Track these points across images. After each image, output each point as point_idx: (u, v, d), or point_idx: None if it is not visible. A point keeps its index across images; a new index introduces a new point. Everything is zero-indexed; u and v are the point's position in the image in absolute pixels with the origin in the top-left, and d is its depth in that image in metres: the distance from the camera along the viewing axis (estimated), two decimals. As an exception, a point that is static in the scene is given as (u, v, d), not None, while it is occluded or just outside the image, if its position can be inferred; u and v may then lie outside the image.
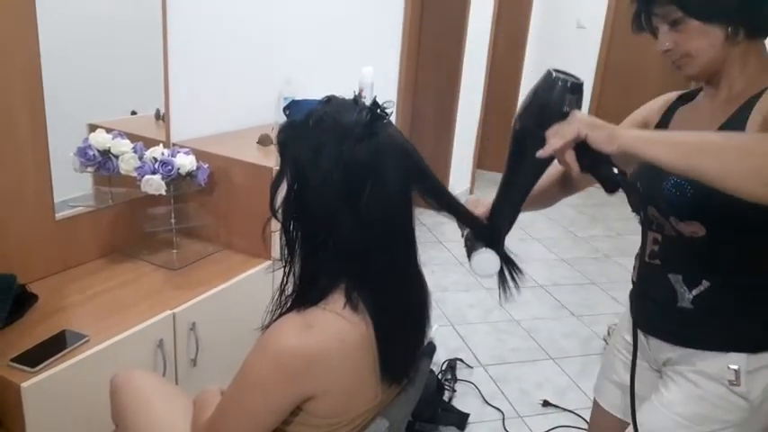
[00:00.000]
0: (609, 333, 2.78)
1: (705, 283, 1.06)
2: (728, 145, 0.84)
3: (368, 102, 0.93)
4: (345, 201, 0.88)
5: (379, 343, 0.92)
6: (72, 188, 1.78)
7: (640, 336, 1.20)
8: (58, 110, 1.62)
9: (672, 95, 1.24)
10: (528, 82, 5.43)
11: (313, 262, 0.93)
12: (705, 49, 1.00)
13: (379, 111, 0.92)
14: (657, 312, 1.15)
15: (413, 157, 0.94)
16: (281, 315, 0.92)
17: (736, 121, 1.00)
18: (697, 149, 0.84)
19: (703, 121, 1.07)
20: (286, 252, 0.95)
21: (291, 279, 0.96)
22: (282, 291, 0.96)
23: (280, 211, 0.94)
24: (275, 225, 0.97)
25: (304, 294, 0.92)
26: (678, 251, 1.10)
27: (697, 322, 1.09)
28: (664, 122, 1.19)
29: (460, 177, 4.79)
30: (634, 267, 1.26)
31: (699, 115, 1.12)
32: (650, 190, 1.10)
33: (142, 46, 1.95)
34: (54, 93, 1.60)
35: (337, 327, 0.87)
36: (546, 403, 2.41)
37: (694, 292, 1.07)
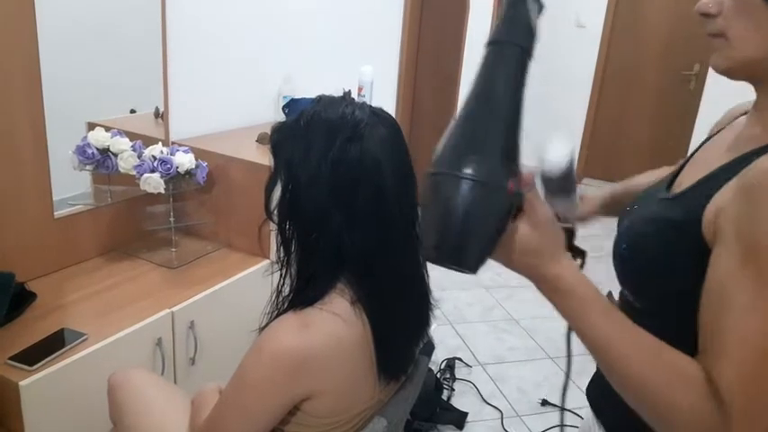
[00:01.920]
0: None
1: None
2: (631, 377, 0.65)
3: (366, 100, 0.93)
4: (338, 200, 0.88)
5: (377, 342, 0.92)
6: (71, 186, 1.78)
7: (591, 417, 0.98)
8: (57, 108, 1.62)
9: (734, 112, 0.91)
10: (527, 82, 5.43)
11: (309, 262, 0.93)
12: (749, 42, 0.68)
13: (370, 110, 0.93)
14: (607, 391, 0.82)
15: (402, 156, 0.94)
16: (277, 315, 0.92)
17: (724, 172, 0.71)
18: (606, 365, 0.67)
19: (721, 149, 0.78)
20: (282, 252, 0.95)
21: (288, 279, 0.96)
22: (279, 291, 0.96)
23: (275, 211, 0.94)
24: (272, 225, 0.97)
25: (301, 294, 0.92)
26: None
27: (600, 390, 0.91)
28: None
29: (460, 176, 4.78)
30: None
31: (723, 139, 0.83)
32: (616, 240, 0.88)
33: (141, 44, 1.95)
34: (53, 91, 1.59)
35: (334, 326, 0.87)
36: (544, 402, 2.41)
37: None
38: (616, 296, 0.90)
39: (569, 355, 0.92)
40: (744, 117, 0.81)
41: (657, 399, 0.63)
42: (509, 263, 0.69)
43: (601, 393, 0.92)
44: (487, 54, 0.69)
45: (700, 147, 0.88)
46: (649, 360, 0.64)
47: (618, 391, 0.67)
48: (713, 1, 0.72)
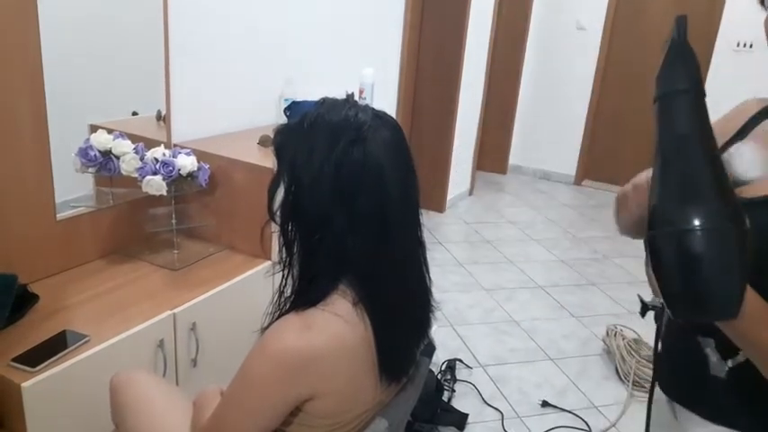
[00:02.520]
0: (608, 334, 2.79)
1: (742, 354, 0.83)
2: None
3: (368, 103, 0.94)
4: (340, 202, 0.89)
5: (378, 343, 0.92)
6: (73, 188, 1.78)
7: (666, 405, 1.01)
8: (60, 110, 1.63)
9: (751, 106, 0.94)
10: (527, 84, 5.45)
11: (311, 263, 0.93)
12: None
13: (373, 112, 0.93)
14: (686, 379, 0.95)
15: (405, 159, 0.95)
16: (280, 316, 0.93)
17: None
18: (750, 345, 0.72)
19: None
20: (284, 254, 0.95)
21: (290, 280, 0.96)
22: (282, 292, 0.97)
23: (278, 213, 0.95)
24: (274, 227, 0.97)
25: (303, 295, 0.93)
26: None
27: (735, 398, 0.88)
28: (742, 132, 0.92)
29: (460, 178, 4.80)
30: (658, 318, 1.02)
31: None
32: None
33: (143, 46, 1.95)
34: (55, 93, 1.60)
35: (336, 327, 0.88)
36: (545, 404, 2.42)
37: (730, 363, 0.86)
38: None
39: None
40: None
41: None
42: None
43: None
44: (667, 104, 0.71)
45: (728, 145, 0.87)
46: None
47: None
48: None
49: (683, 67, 0.71)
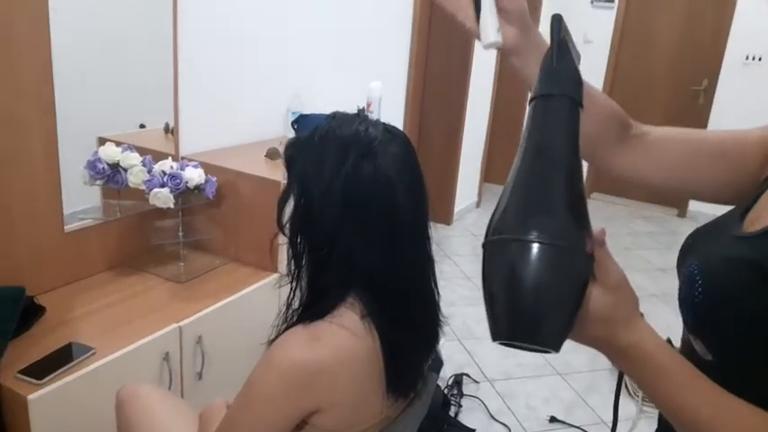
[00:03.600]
0: (617, 348, 2.76)
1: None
2: None
3: (375, 116, 0.94)
4: (350, 215, 0.88)
5: (386, 357, 0.91)
6: (81, 201, 1.79)
7: None
8: (69, 123, 1.64)
9: None
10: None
11: (320, 276, 0.93)
12: None
13: (384, 127, 0.93)
14: None
15: (415, 173, 0.95)
16: (287, 329, 0.92)
17: None
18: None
19: None
20: (293, 266, 0.95)
21: (298, 293, 0.96)
22: (289, 305, 0.96)
23: (287, 225, 0.95)
24: (282, 239, 0.97)
25: (310, 308, 0.92)
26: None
27: None
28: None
29: (468, 191, 4.79)
30: None
31: None
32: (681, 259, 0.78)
33: (152, 60, 1.97)
34: (65, 106, 1.61)
35: (343, 340, 0.87)
36: (553, 419, 2.39)
37: None
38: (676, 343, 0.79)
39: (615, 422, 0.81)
40: None
41: None
42: (579, 334, 0.60)
43: None
44: (537, 107, 0.63)
45: None
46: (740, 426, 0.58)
47: None
48: None
49: (574, 71, 0.65)
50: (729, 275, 0.67)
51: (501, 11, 0.79)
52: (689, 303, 0.71)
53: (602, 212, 5.11)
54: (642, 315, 0.61)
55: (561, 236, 0.54)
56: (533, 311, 0.54)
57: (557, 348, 0.56)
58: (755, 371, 0.64)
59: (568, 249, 0.54)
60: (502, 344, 0.56)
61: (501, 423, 2.36)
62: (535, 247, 0.53)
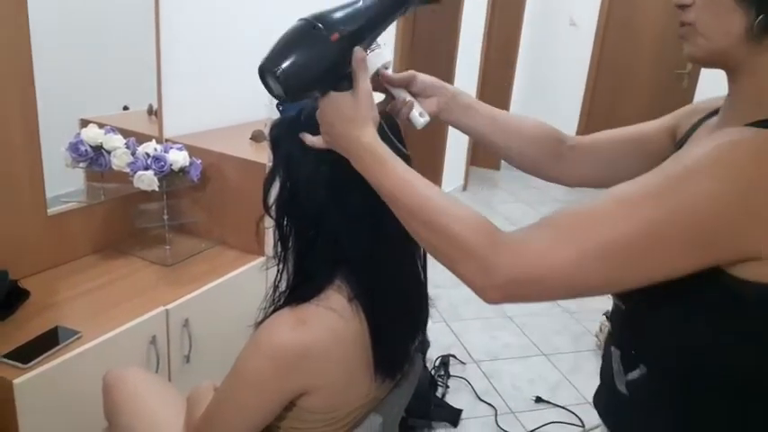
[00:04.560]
0: (601, 329, 2.80)
1: (642, 368, 0.79)
2: (420, 209, 0.73)
3: None
4: (337, 197, 0.88)
5: (374, 339, 0.92)
6: (64, 183, 1.77)
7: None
8: (50, 105, 1.61)
9: (700, 108, 0.91)
10: (521, 80, 5.45)
11: (306, 258, 0.93)
12: (715, 32, 0.71)
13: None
14: (602, 390, 0.92)
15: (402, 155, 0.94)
16: (274, 311, 0.92)
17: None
18: (408, 205, 0.75)
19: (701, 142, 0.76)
20: (279, 248, 0.95)
21: (285, 276, 0.96)
22: (276, 287, 0.96)
23: (273, 207, 0.94)
24: (268, 221, 0.97)
25: (297, 290, 0.92)
26: (616, 318, 0.87)
27: (632, 415, 0.83)
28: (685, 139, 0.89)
29: (454, 174, 4.80)
30: None
31: (699, 135, 0.83)
32: None
33: (134, 40, 1.94)
34: (45, 88, 1.59)
35: (330, 322, 0.87)
36: (538, 399, 2.42)
37: (630, 377, 0.81)
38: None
39: None
40: (714, 119, 0.82)
41: (448, 230, 0.70)
42: (329, 131, 0.81)
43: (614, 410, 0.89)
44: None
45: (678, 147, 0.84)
46: (448, 201, 0.73)
47: (412, 229, 0.75)
48: None
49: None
50: None
51: (415, 96, 0.98)
52: None
53: (588, 195, 5.14)
54: (373, 123, 0.81)
55: (320, 20, 0.77)
56: (277, 50, 0.78)
57: (291, 93, 0.77)
58: (656, 312, 0.74)
59: (315, 27, 0.77)
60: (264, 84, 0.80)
61: (487, 403, 2.39)
62: (300, 20, 0.78)
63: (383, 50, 0.93)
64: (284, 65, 0.76)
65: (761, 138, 0.64)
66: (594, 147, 1.04)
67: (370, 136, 0.79)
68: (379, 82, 0.95)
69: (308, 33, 0.77)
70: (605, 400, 0.90)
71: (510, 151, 1.06)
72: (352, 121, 0.79)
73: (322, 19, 0.77)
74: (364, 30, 0.80)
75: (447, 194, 0.75)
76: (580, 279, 0.66)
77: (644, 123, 1.02)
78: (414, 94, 0.99)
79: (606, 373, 0.88)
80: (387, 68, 0.95)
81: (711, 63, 0.75)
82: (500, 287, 0.67)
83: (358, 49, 0.79)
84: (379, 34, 0.85)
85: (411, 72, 1.00)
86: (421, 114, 0.97)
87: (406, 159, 0.81)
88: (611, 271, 0.65)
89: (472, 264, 0.68)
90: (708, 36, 0.72)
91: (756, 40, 0.68)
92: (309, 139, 0.86)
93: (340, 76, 0.80)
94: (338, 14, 0.79)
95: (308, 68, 0.77)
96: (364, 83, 0.80)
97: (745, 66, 0.71)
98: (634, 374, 0.80)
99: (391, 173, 0.76)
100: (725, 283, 0.65)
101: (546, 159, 1.05)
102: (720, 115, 0.79)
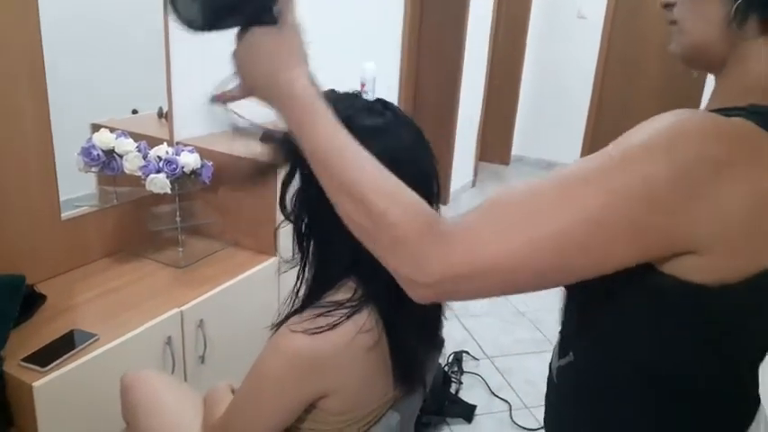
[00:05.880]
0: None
1: (570, 356, 0.78)
2: (353, 183, 0.63)
3: (371, 96, 0.93)
4: None
5: (392, 347, 0.92)
6: (76, 188, 1.78)
7: None
8: (62, 110, 1.62)
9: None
10: (529, 74, 5.42)
11: (324, 261, 0.93)
12: (695, 25, 0.71)
13: (381, 105, 0.92)
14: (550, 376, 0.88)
15: (426, 156, 0.94)
16: (293, 313, 0.92)
17: None
18: (335, 181, 0.64)
19: None
20: (298, 251, 0.95)
21: (304, 277, 0.96)
22: (297, 292, 0.96)
23: (290, 208, 0.94)
24: (282, 222, 0.97)
25: (316, 293, 0.92)
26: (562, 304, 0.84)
27: (558, 401, 0.83)
28: None
29: (463, 170, 4.78)
30: None
31: None
32: None
33: (144, 43, 1.95)
34: (57, 93, 1.60)
35: (347, 328, 0.87)
36: (552, 394, 2.42)
37: (560, 363, 0.80)
38: None
39: None
40: None
41: (383, 212, 0.60)
42: (249, 75, 0.70)
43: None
44: None
45: None
46: (385, 177, 0.63)
47: (338, 201, 0.66)
48: None
49: None
50: None
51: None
52: None
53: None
54: (306, 65, 0.69)
55: None
56: None
57: (205, 15, 0.66)
58: (586, 301, 0.72)
59: None
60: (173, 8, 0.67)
61: (501, 399, 2.39)
62: None
63: None
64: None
65: (708, 119, 0.61)
66: None
67: (301, 83, 0.66)
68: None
69: None
70: (547, 387, 0.88)
71: None
72: (276, 61, 0.67)
73: None
74: None
75: (383, 170, 0.64)
76: (517, 275, 0.60)
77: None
78: None
79: (551, 360, 0.87)
80: None
81: (696, 60, 0.73)
82: (431, 284, 0.60)
83: None
84: None
85: None
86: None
87: None
88: (549, 265, 0.60)
89: (404, 254, 0.60)
90: (689, 30, 0.71)
91: (737, 28, 0.66)
92: (224, 93, 0.74)
93: (263, 7, 0.67)
94: None
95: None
96: (292, 12, 0.69)
97: (730, 57, 0.69)
98: (563, 361, 0.80)
99: (324, 131, 0.65)
100: (656, 281, 0.62)
101: None
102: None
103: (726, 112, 0.63)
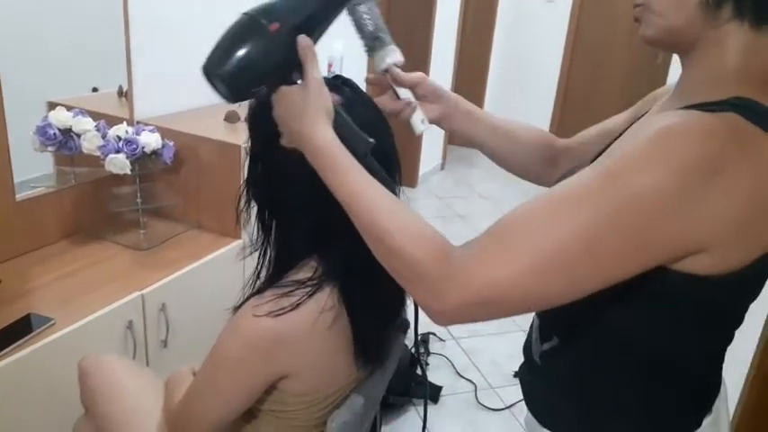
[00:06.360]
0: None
1: (555, 340, 0.81)
2: (372, 225, 0.70)
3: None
4: (316, 177, 0.87)
5: (353, 326, 0.91)
6: (32, 168, 1.72)
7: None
8: (15, 87, 1.56)
9: (660, 93, 0.91)
10: (498, 56, 5.43)
11: (286, 241, 0.92)
12: (668, 7, 0.69)
13: (340, 82, 0.91)
14: (524, 361, 0.92)
15: (385, 135, 0.93)
16: (253, 295, 0.91)
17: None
18: (361, 213, 0.72)
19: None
20: (260, 231, 0.93)
21: (264, 259, 0.95)
22: (258, 274, 0.95)
23: (252, 189, 0.93)
24: (243, 203, 0.95)
25: (277, 274, 0.91)
26: None
27: (543, 385, 0.86)
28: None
29: (432, 153, 4.79)
30: None
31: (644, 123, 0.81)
32: None
33: (102, 19, 1.88)
34: (10, 69, 1.53)
35: (308, 308, 0.87)
36: (517, 374, 2.46)
37: (544, 347, 0.83)
38: None
39: None
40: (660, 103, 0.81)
41: (399, 250, 0.67)
42: (283, 128, 0.79)
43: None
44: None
45: (620, 135, 0.82)
46: (400, 215, 0.70)
47: (367, 242, 0.73)
48: None
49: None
50: None
51: (419, 99, 0.98)
52: None
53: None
54: (329, 117, 0.76)
55: (261, 12, 0.73)
56: (218, 49, 0.74)
57: (236, 93, 0.75)
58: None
59: (254, 19, 0.73)
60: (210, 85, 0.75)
61: (467, 379, 2.42)
62: (243, 14, 0.74)
63: (396, 49, 0.94)
64: (226, 66, 0.72)
65: (704, 120, 0.61)
66: (582, 146, 1.03)
67: (321, 135, 0.74)
68: (386, 80, 0.95)
69: (248, 27, 0.73)
70: (524, 369, 0.91)
71: (510, 160, 1.08)
72: (303, 117, 0.74)
73: (262, 11, 0.73)
74: (308, 18, 0.76)
75: (399, 205, 0.71)
76: (533, 295, 0.63)
77: (618, 115, 1.01)
78: (418, 97, 0.97)
79: (527, 342, 0.89)
80: (398, 67, 0.94)
81: (668, 43, 0.72)
82: (446, 312, 0.65)
83: (302, 37, 0.75)
84: (326, 23, 0.80)
85: (421, 74, 0.98)
86: (423, 121, 0.95)
87: (368, 145, 0.79)
88: (560, 287, 0.62)
89: (422, 286, 0.66)
90: (661, 13, 0.69)
91: (712, 12, 0.66)
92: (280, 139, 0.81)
93: (288, 68, 0.76)
94: (279, 4, 0.75)
95: (251, 66, 0.72)
96: (313, 72, 0.75)
97: (702, 42, 0.68)
98: (547, 345, 0.82)
99: (343, 180, 0.72)
100: (658, 275, 0.63)
101: (544, 167, 1.06)
102: (668, 100, 0.76)
103: (710, 107, 0.63)
